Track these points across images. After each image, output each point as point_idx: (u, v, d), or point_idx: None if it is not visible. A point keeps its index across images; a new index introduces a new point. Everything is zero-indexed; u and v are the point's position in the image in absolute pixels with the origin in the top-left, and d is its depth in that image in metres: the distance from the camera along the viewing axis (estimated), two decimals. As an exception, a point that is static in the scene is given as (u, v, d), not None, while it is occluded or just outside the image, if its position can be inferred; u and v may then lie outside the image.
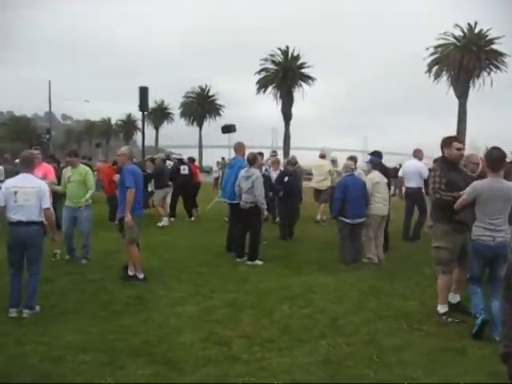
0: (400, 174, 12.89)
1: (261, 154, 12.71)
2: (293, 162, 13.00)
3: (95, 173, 15.25)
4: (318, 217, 15.12)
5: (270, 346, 5.39)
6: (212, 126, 72.30)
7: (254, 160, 9.59)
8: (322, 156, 16.52)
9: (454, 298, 6.61)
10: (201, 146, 75.08)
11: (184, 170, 16.10)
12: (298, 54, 56.41)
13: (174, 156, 17.65)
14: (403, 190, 12.55)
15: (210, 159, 66.23)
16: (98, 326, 5.97)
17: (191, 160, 17.59)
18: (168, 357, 5.07)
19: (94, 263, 9.24)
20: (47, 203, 6.50)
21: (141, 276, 8.09)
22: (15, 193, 6.32)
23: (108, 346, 5.32)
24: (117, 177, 11.27)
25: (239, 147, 10.58)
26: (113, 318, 6.25)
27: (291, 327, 5.98)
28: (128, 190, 7.95)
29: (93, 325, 6.00)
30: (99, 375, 4.64)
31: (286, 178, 12.18)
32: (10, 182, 6.57)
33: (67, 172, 9.63)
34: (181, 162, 16.68)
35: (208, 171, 51.69)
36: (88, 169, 9.88)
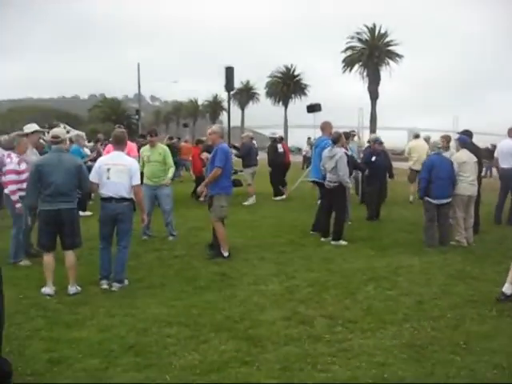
0: (496, 154, 12.30)
1: (346, 133, 12.46)
2: (380, 141, 12.65)
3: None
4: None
5: (352, 326, 5.32)
6: (297, 105, 71.76)
7: (337, 139, 9.43)
8: (417, 136, 15.78)
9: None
10: (286, 126, 74.79)
11: (280, 148, 16.18)
12: (386, 32, 54.83)
13: (268, 135, 17.67)
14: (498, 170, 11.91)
15: (295, 140, 66.08)
16: (182, 300, 6.13)
17: (280, 139, 17.57)
18: (250, 333, 5.12)
19: (180, 240, 9.48)
20: (137, 180, 6.72)
21: (225, 254, 8.20)
22: (108, 170, 6.58)
23: (192, 321, 5.45)
24: (205, 155, 11.46)
25: (326, 126, 10.48)
26: (197, 294, 6.40)
27: (375, 308, 5.87)
28: (216, 168, 8.05)
29: (178, 299, 6.17)
30: (183, 349, 4.76)
31: (374, 158, 11.89)
32: (104, 160, 6.86)
33: (145, 151, 9.79)
34: (275, 140, 16.69)
35: (293, 151, 51.37)
36: (166, 148, 10.02)
